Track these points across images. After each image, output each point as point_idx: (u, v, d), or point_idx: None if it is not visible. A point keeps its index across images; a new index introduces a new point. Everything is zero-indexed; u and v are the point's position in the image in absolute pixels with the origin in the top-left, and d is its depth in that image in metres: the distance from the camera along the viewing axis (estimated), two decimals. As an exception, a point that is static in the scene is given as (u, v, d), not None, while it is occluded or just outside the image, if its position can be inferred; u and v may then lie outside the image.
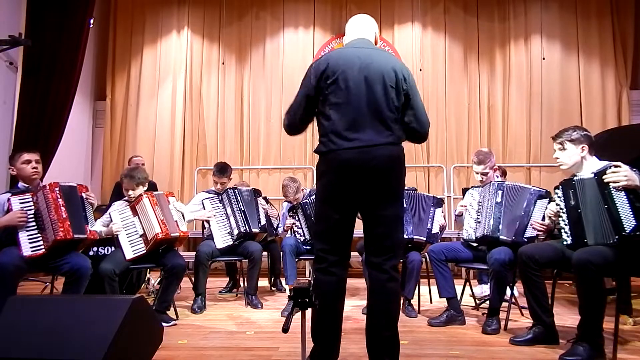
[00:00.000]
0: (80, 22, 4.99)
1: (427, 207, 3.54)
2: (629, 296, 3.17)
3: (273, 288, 4.49)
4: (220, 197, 3.87)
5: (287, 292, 3.99)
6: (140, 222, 3.22)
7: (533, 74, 5.97)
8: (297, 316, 1.85)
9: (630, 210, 2.30)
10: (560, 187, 2.62)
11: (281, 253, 3.89)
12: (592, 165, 2.59)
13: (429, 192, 5.35)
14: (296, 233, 3.91)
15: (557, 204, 2.62)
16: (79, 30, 4.98)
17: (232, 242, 3.76)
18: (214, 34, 6.42)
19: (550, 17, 6.02)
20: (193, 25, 6.38)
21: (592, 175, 2.46)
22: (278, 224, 4.31)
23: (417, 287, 3.49)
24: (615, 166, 2.38)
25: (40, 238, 2.80)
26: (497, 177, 3.47)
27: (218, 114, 6.31)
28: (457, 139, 6.02)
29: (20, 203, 2.81)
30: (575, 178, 2.56)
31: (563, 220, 2.57)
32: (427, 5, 6.18)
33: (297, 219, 3.93)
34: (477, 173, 3.30)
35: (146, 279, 4.14)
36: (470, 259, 3.26)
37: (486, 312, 3.04)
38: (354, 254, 2.64)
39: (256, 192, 4.09)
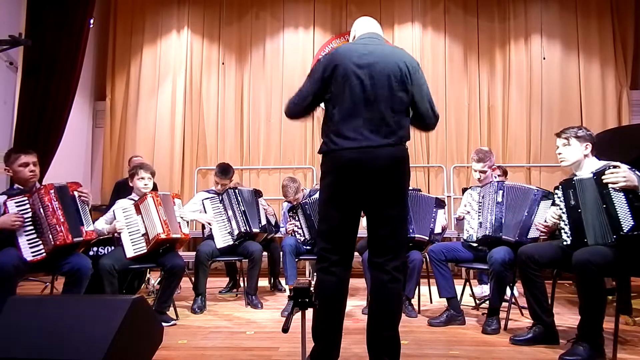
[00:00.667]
0: (80, 22, 4.99)
1: (430, 208, 3.55)
2: (629, 296, 3.17)
3: (272, 289, 4.50)
4: (220, 197, 3.87)
5: (287, 292, 3.99)
6: (143, 221, 3.22)
7: (533, 74, 5.97)
8: (297, 316, 1.85)
9: (628, 210, 2.30)
10: (560, 187, 2.62)
11: (281, 253, 3.89)
12: (591, 164, 2.60)
13: (429, 192, 5.36)
14: (296, 233, 3.91)
15: (557, 204, 2.62)
16: (79, 30, 4.98)
17: (232, 242, 3.76)
18: (214, 34, 6.42)
19: (550, 17, 6.02)
20: (193, 25, 6.38)
21: (591, 175, 2.46)
22: (276, 221, 4.30)
23: (417, 286, 3.49)
24: (614, 166, 2.38)
25: (40, 242, 2.76)
26: (495, 177, 3.47)
27: (218, 114, 6.31)
28: (457, 139, 6.02)
29: (17, 206, 2.76)
30: (575, 178, 2.56)
31: (563, 221, 2.57)
32: (427, 5, 6.18)
33: (297, 219, 3.92)
34: (476, 171, 3.31)
35: (146, 279, 4.15)
36: (470, 259, 3.26)
37: (486, 312, 3.04)
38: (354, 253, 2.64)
39: (257, 193, 4.09)
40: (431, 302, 3.84)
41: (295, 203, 4.06)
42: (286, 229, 4.03)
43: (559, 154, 2.68)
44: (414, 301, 3.52)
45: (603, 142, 3.49)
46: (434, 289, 3.31)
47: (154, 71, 6.35)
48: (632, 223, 2.28)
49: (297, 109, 2.19)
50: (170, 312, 3.26)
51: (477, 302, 3.72)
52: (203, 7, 6.41)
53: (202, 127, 6.30)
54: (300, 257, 3.91)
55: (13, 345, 1.82)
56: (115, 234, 3.29)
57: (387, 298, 2.04)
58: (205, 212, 3.84)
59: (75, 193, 2.97)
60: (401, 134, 2.07)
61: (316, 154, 5.92)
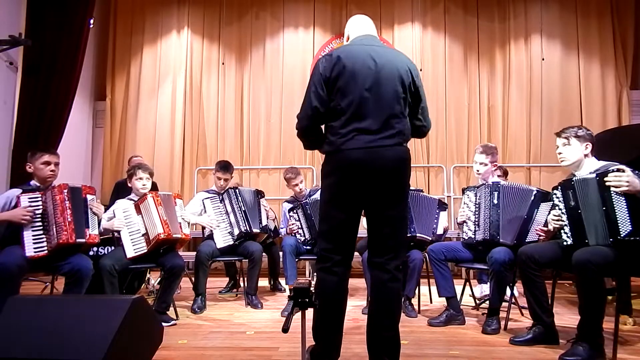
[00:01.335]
0: (80, 22, 5.00)
1: (433, 209, 3.56)
2: (629, 296, 3.17)
3: (272, 289, 4.49)
4: (220, 197, 3.87)
5: (287, 292, 3.99)
6: (144, 221, 3.22)
7: (533, 74, 5.98)
8: (297, 316, 1.85)
9: (627, 215, 2.29)
10: (559, 188, 2.61)
11: (281, 253, 3.89)
12: (591, 165, 2.60)
13: (429, 193, 5.36)
14: (296, 233, 3.91)
15: (556, 205, 2.62)
16: (79, 30, 4.99)
17: (232, 242, 3.76)
18: (214, 34, 6.42)
19: (550, 17, 6.02)
20: (193, 25, 6.38)
21: (594, 175, 2.46)
22: (275, 227, 4.30)
23: (417, 286, 3.49)
24: (619, 170, 2.37)
25: (45, 239, 2.80)
26: (495, 177, 3.45)
27: (218, 114, 6.31)
28: (457, 139, 6.02)
29: (30, 201, 2.82)
30: (574, 178, 2.55)
31: (563, 221, 2.56)
32: (427, 5, 6.18)
33: (297, 218, 3.92)
34: (476, 162, 3.29)
35: (146, 279, 4.15)
36: (470, 259, 3.25)
37: (486, 312, 3.04)
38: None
39: (259, 193, 4.08)
40: (431, 302, 3.84)
41: (298, 196, 4.04)
42: (286, 229, 4.03)
43: (559, 153, 2.68)
44: (414, 301, 3.52)
45: (603, 142, 3.49)
46: (434, 288, 3.30)
47: (154, 71, 6.35)
48: (630, 228, 2.28)
49: (304, 122, 2.10)
50: (170, 312, 3.26)
51: (477, 302, 3.72)
52: (203, 7, 6.41)
53: (202, 127, 6.30)
54: (301, 257, 3.92)
55: (13, 345, 1.82)
56: (115, 234, 3.29)
57: (387, 297, 2.05)
58: (206, 211, 3.83)
59: (88, 198, 3.01)
60: (405, 135, 2.09)
61: (316, 154, 5.94)
